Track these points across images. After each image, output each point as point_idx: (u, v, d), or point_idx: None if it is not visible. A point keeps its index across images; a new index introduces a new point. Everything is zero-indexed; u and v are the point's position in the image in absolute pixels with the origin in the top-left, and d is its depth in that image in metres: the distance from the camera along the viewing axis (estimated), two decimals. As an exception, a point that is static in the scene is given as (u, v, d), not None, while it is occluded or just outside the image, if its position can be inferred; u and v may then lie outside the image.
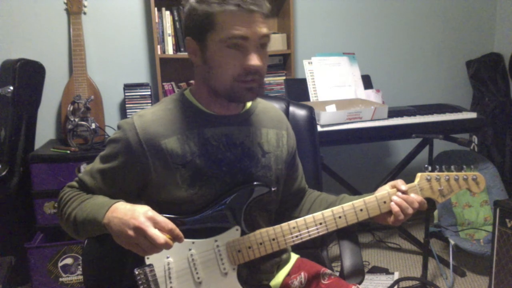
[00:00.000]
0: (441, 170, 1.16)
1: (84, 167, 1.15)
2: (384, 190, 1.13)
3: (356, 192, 2.65)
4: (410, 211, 1.10)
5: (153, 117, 1.09)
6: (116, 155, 1.08)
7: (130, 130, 1.06)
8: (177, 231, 0.96)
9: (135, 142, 1.06)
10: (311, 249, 1.50)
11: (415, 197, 1.11)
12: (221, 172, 1.10)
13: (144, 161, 1.06)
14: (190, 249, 1.07)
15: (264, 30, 1.04)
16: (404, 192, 1.12)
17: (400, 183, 1.13)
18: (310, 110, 1.58)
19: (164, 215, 1.00)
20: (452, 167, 1.17)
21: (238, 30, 1.00)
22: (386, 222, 1.13)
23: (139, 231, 0.92)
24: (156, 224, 0.94)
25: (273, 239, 1.10)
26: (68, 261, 2.25)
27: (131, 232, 0.93)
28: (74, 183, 1.15)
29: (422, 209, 1.12)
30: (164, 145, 1.07)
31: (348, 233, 1.38)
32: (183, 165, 1.07)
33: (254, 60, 1.03)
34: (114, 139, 1.09)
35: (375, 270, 2.52)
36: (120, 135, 1.08)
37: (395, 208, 1.10)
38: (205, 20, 1.02)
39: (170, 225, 0.96)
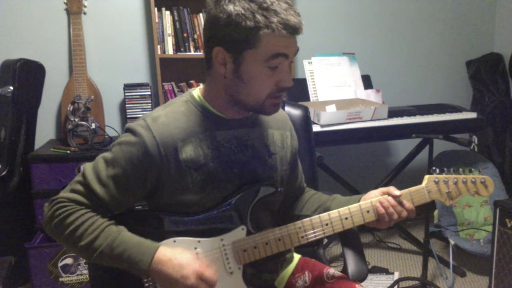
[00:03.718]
0: (449, 173, 1.17)
1: (83, 167, 1.10)
2: (374, 196, 1.14)
3: (356, 192, 2.65)
4: (395, 216, 1.11)
5: (167, 120, 1.06)
6: (130, 159, 1.03)
7: (146, 134, 1.03)
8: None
9: (152, 146, 1.02)
10: (308, 247, 1.50)
11: (406, 206, 1.12)
12: (233, 174, 1.10)
13: (160, 165, 1.03)
14: (195, 248, 1.07)
15: (297, 46, 1.06)
16: (398, 197, 1.12)
17: (392, 189, 1.14)
18: (305, 110, 1.58)
19: (171, 217, 1.06)
20: (461, 169, 1.18)
21: (281, 51, 1.01)
22: (373, 225, 1.15)
23: None
24: (203, 279, 1.01)
25: (279, 239, 1.10)
26: (68, 261, 2.25)
27: None
28: (77, 197, 1.03)
29: (410, 217, 1.13)
30: (180, 149, 1.05)
31: (352, 236, 1.38)
32: (195, 169, 1.06)
33: (289, 81, 1.05)
34: (127, 142, 1.04)
35: (375, 270, 2.52)
36: (136, 139, 1.03)
37: (381, 211, 1.11)
38: (248, 36, 0.99)
39: (215, 279, 1.03)
